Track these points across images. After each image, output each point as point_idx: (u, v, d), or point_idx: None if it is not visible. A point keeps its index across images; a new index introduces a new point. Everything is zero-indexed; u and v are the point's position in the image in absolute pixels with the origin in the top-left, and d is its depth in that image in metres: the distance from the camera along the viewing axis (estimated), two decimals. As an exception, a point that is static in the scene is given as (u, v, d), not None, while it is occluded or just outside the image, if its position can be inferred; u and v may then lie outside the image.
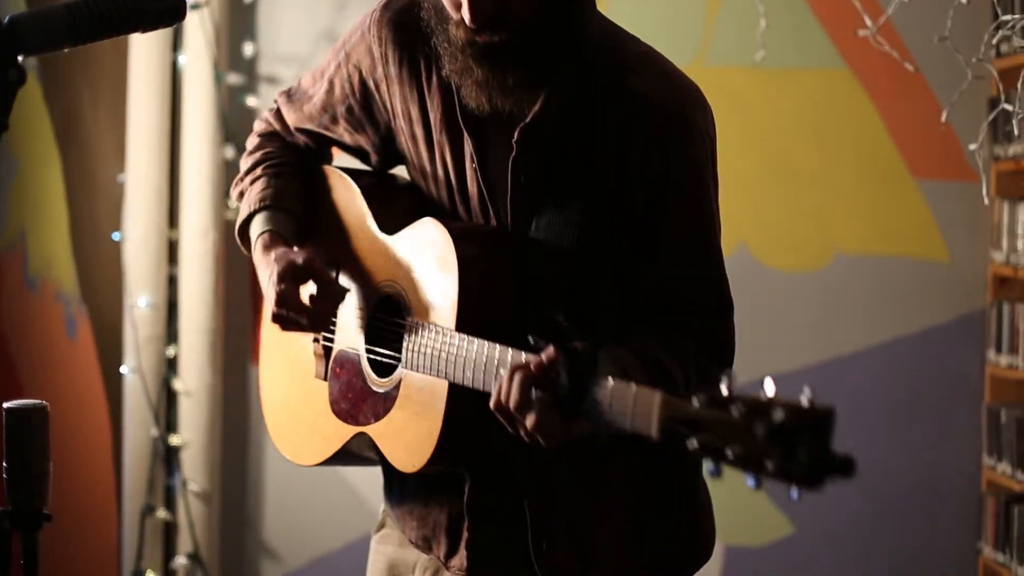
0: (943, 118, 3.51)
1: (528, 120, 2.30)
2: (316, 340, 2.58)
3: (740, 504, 4.58)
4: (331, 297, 2.45)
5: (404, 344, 2.37)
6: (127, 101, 4.65)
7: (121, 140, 4.68)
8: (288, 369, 2.64)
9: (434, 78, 2.41)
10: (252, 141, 2.69)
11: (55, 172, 4.78)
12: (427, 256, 2.38)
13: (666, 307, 2.33)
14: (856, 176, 4.57)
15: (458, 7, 2.26)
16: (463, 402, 2.26)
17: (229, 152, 4.63)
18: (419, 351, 2.33)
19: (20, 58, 1.90)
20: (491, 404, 2.14)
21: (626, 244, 2.32)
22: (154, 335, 4.65)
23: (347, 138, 2.57)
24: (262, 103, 4.68)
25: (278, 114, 2.66)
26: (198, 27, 4.53)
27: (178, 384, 4.66)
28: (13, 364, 4.80)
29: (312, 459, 2.55)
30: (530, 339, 2.12)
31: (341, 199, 2.59)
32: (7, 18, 1.92)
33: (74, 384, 4.81)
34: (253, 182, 2.60)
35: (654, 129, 2.30)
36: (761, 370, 4.47)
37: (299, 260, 2.43)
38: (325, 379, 2.53)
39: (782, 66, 4.40)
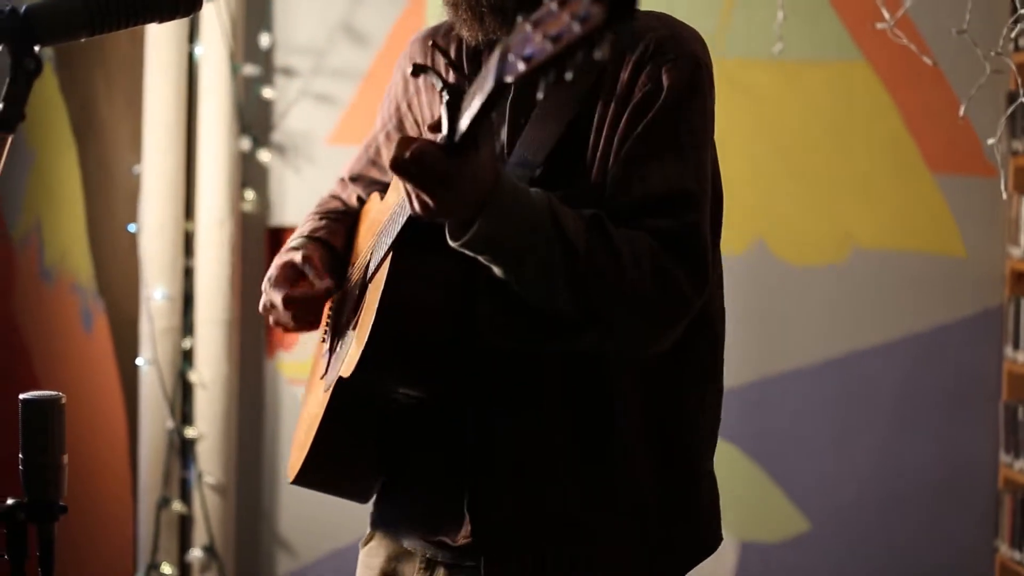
0: (961, 112, 3.49)
1: None
2: (323, 340, 2.61)
3: (755, 500, 4.59)
4: (317, 289, 2.51)
5: (370, 263, 2.39)
6: (143, 92, 4.66)
7: (137, 131, 4.69)
8: (308, 390, 2.68)
9: (452, 74, 2.45)
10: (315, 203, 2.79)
11: (71, 163, 4.78)
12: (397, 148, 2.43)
13: (623, 205, 2.26)
14: (873, 170, 4.56)
15: None
16: (407, 261, 2.23)
17: (245, 143, 4.64)
18: (378, 249, 2.34)
19: (37, 48, 1.91)
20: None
21: (598, 163, 2.31)
22: (170, 327, 4.66)
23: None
24: (278, 94, 4.68)
25: (341, 177, 2.76)
26: (214, 18, 4.53)
27: (194, 376, 4.66)
28: (29, 356, 4.80)
29: (299, 456, 2.53)
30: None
31: (368, 208, 2.65)
32: (24, 7, 1.92)
33: (90, 376, 4.82)
34: (301, 227, 2.69)
35: (646, 54, 2.30)
36: (779, 364, 4.49)
37: (298, 258, 2.52)
38: (325, 374, 2.55)
39: (799, 59, 4.39)
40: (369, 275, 2.38)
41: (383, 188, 2.68)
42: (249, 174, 4.68)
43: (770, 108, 4.49)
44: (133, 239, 4.67)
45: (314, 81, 4.66)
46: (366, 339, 2.22)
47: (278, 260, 2.58)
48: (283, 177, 4.73)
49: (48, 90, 4.69)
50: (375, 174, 2.69)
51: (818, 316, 4.58)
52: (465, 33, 2.36)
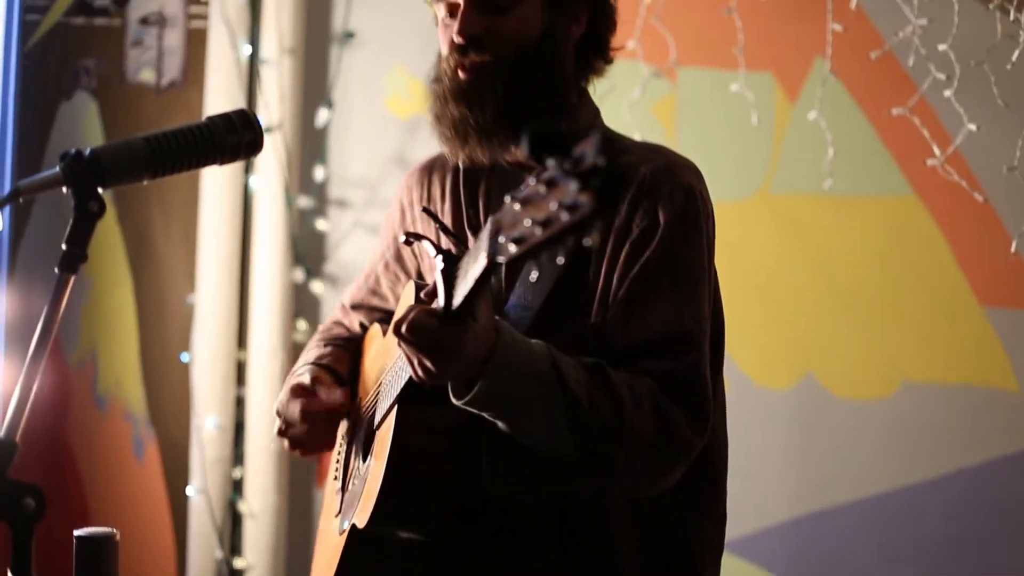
0: (1012, 248, 3.50)
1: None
2: (335, 477, 2.63)
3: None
4: (330, 401, 2.58)
5: (377, 407, 2.41)
6: (198, 222, 4.71)
7: (192, 261, 4.73)
8: (323, 527, 2.69)
9: (447, 203, 2.50)
10: (317, 330, 2.85)
11: (126, 292, 4.83)
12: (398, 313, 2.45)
13: (623, 347, 2.29)
14: (923, 304, 4.54)
15: (450, 39, 2.38)
16: (412, 414, 2.25)
17: (299, 275, 4.67)
18: (384, 396, 2.36)
19: (100, 190, 1.95)
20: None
21: (598, 302, 2.32)
22: (220, 456, 4.67)
23: (390, 299, 2.69)
24: (332, 226, 4.72)
25: (342, 304, 2.82)
26: (270, 150, 4.58)
27: (243, 506, 4.66)
28: (81, 482, 4.82)
29: None
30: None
31: (369, 341, 2.70)
32: (88, 150, 1.95)
33: (140, 504, 4.83)
34: (305, 355, 2.74)
35: (642, 189, 2.32)
36: (828, 498, 4.46)
37: (306, 380, 2.59)
38: (340, 512, 2.57)
39: (849, 193, 4.40)
40: (376, 424, 2.40)
41: (385, 318, 2.72)
42: (302, 305, 4.71)
43: (820, 242, 4.49)
44: (186, 368, 4.70)
45: (367, 213, 4.70)
46: (377, 492, 2.25)
47: (286, 387, 2.62)
48: (335, 309, 4.76)
49: (105, 220, 4.74)
50: (375, 302, 2.74)
51: (868, 450, 4.55)
52: (446, 149, 2.40)
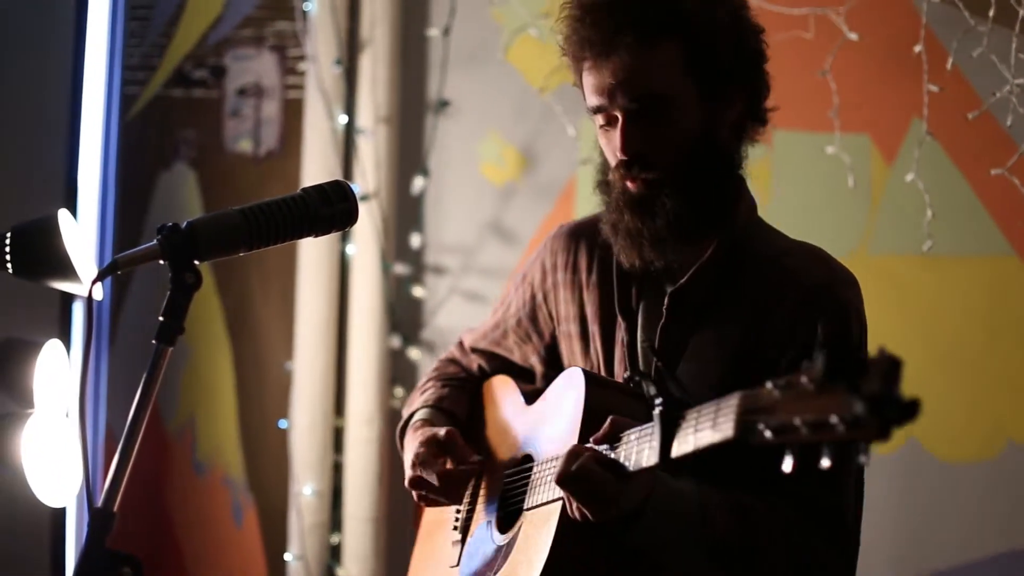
0: (1116, 307, 3.45)
1: (678, 286, 2.37)
2: (455, 528, 2.64)
3: None
4: (464, 464, 2.61)
5: (529, 487, 2.40)
6: (296, 290, 4.74)
7: (290, 329, 4.76)
8: (428, 565, 2.69)
9: (594, 276, 2.51)
10: (432, 366, 2.87)
11: (225, 359, 4.87)
12: (559, 395, 2.48)
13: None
14: (1026, 364, 4.48)
15: (613, 152, 2.41)
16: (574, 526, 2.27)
17: (395, 342, 4.68)
18: (541, 485, 2.36)
19: (196, 263, 1.96)
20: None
21: None
22: (318, 522, 4.67)
23: (516, 353, 2.70)
24: (428, 293, 4.73)
25: (459, 343, 2.84)
26: (366, 218, 4.60)
27: (341, 572, 4.66)
28: (180, 548, 4.85)
29: None
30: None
31: (501, 396, 2.69)
32: (185, 223, 1.98)
33: (239, 570, 4.84)
34: (422, 393, 2.75)
35: (804, 300, 2.36)
36: (932, 563, 4.38)
37: (440, 434, 2.61)
38: (458, 565, 2.57)
39: (949, 254, 4.36)
40: (527, 505, 2.39)
41: (508, 369, 2.71)
42: (399, 371, 4.72)
43: (919, 303, 4.45)
44: (284, 435, 4.72)
45: (464, 279, 4.71)
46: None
47: (419, 436, 2.62)
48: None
49: (204, 289, 4.79)
50: (499, 352, 2.78)
51: (973, 513, 4.48)
52: (623, 258, 2.41)
